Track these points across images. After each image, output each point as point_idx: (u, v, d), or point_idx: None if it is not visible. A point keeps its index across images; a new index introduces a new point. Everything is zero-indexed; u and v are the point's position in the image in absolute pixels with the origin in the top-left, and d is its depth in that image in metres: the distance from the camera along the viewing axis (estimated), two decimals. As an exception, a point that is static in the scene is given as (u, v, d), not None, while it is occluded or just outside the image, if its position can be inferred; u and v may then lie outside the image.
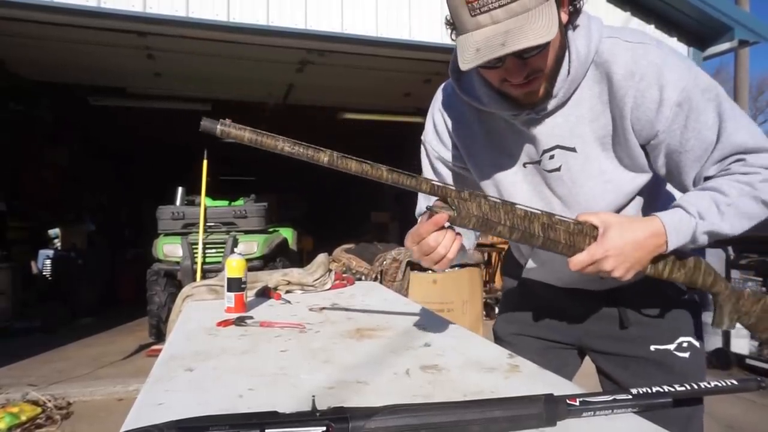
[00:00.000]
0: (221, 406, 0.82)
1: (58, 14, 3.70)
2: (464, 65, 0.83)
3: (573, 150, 0.98)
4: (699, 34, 5.36)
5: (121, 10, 3.67)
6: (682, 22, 5.27)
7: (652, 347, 1.07)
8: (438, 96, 1.15)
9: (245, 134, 0.78)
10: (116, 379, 3.77)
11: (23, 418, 3.00)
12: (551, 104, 0.95)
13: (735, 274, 4.51)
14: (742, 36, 5.16)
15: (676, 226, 0.89)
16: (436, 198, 0.88)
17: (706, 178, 0.94)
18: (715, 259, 4.69)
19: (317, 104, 7.55)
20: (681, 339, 1.07)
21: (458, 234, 0.93)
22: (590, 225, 0.91)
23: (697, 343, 1.08)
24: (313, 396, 0.73)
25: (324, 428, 0.65)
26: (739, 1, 10.55)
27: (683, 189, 0.98)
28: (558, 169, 1.00)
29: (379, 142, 11.17)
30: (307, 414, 0.68)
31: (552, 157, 1.00)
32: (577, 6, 0.91)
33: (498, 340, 1.29)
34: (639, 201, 1.03)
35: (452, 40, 0.91)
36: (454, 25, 0.88)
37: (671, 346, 1.06)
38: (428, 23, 4.44)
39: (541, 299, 1.17)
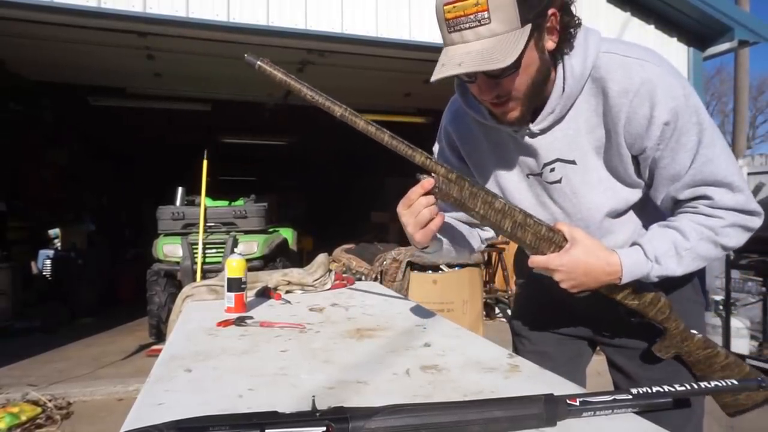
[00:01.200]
0: (221, 406, 0.82)
1: (58, 14, 3.70)
2: (432, 78, 0.88)
3: (573, 162, 1.01)
4: (699, 34, 5.36)
5: (121, 10, 3.67)
6: (682, 22, 5.27)
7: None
8: (447, 109, 1.20)
9: (278, 74, 0.89)
10: (116, 379, 3.77)
11: (23, 418, 3.00)
12: (549, 120, 0.98)
13: (735, 274, 4.51)
14: (742, 36, 5.16)
15: (632, 267, 0.95)
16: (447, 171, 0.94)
17: (676, 201, 0.98)
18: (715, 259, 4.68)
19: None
20: None
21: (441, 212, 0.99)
22: (562, 235, 0.96)
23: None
24: (313, 396, 0.73)
25: (324, 428, 0.65)
26: (739, 1, 10.55)
27: (654, 201, 1.03)
28: (559, 182, 1.04)
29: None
30: (307, 414, 0.68)
31: (552, 170, 1.03)
32: (572, 32, 0.93)
33: (516, 334, 1.35)
34: (638, 208, 1.06)
35: None
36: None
37: None
38: (428, 23, 4.43)
39: (555, 294, 1.19)
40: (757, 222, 0.97)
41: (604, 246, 0.98)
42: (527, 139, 1.02)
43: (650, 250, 0.95)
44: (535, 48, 0.88)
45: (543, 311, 1.25)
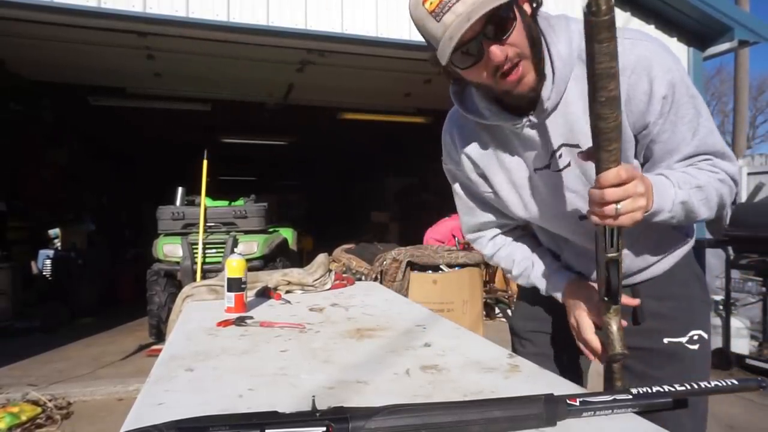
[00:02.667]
0: (221, 406, 0.82)
1: (58, 14, 3.70)
2: (443, 59, 0.87)
3: (577, 146, 1.00)
4: (699, 34, 5.36)
5: (121, 10, 3.68)
6: (682, 22, 5.27)
7: (666, 340, 1.10)
8: (450, 125, 1.18)
9: None
10: (116, 379, 3.77)
11: (23, 418, 3.00)
12: (547, 106, 0.98)
13: (735, 274, 4.51)
14: (742, 36, 5.16)
15: (660, 188, 0.91)
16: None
17: None
18: (715, 259, 4.69)
19: (317, 104, 7.56)
20: (693, 332, 1.10)
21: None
22: None
23: (706, 336, 1.12)
24: (313, 396, 0.73)
25: (324, 428, 0.65)
26: (739, 1, 10.56)
27: None
28: (568, 165, 1.03)
29: (379, 142, 11.18)
30: (307, 414, 0.68)
31: (560, 155, 1.03)
32: (539, 1, 0.95)
33: (516, 336, 1.33)
34: None
35: (442, 66, 0.92)
36: (435, 50, 0.90)
37: (683, 339, 1.10)
38: (428, 23, 4.43)
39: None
40: (736, 191, 1.00)
41: None
42: (528, 131, 1.01)
43: (671, 176, 0.94)
44: (516, 7, 0.89)
45: (545, 312, 1.24)
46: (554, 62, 0.96)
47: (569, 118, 0.99)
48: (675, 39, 5.39)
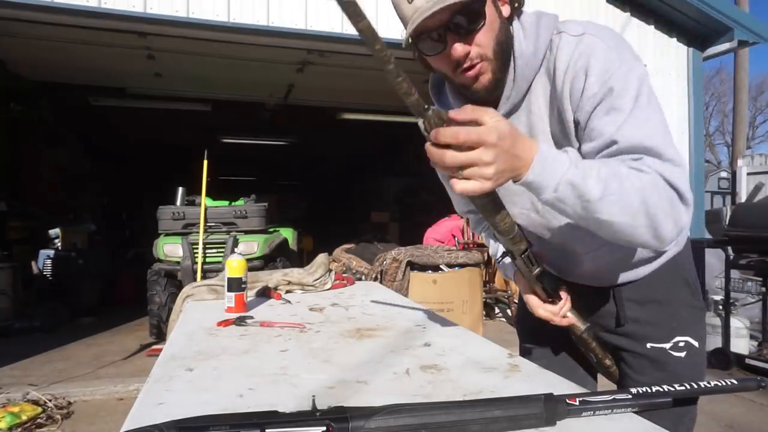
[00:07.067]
0: (221, 406, 0.82)
1: (58, 14, 3.71)
2: (404, 41, 0.90)
3: None
4: (699, 34, 5.36)
5: (121, 10, 3.68)
6: (682, 22, 5.27)
7: (648, 345, 1.08)
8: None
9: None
10: (116, 378, 3.77)
11: (24, 417, 3.00)
12: (506, 108, 0.97)
13: (735, 274, 4.51)
14: (741, 36, 5.17)
15: (548, 161, 0.76)
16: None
17: None
18: (715, 258, 4.69)
19: (317, 104, 7.56)
20: (678, 338, 1.07)
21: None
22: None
23: (695, 343, 1.08)
24: (313, 396, 0.73)
25: (324, 428, 0.66)
26: (739, 2, 10.56)
27: None
28: None
29: (379, 142, 11.18)
30: (307, 414, 0.68)
31: None
32: (521, 2, 0.95)
33: (521, 334, 1.35)
34: None
35: (416, 51, 0.95)
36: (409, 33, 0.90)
37: (667, 345, 1.07)
38: (428, 23, 4.44)
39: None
40: (683, 209, 0.81)
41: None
42: None
43: (572, 154, 0.80)
44: (493, 5, 0.89)
45: (539, 322, 1.17)
46: (516, 60, 0.94)
47: (532, 119, 0.98)
48: (675, 39, 5.39)
